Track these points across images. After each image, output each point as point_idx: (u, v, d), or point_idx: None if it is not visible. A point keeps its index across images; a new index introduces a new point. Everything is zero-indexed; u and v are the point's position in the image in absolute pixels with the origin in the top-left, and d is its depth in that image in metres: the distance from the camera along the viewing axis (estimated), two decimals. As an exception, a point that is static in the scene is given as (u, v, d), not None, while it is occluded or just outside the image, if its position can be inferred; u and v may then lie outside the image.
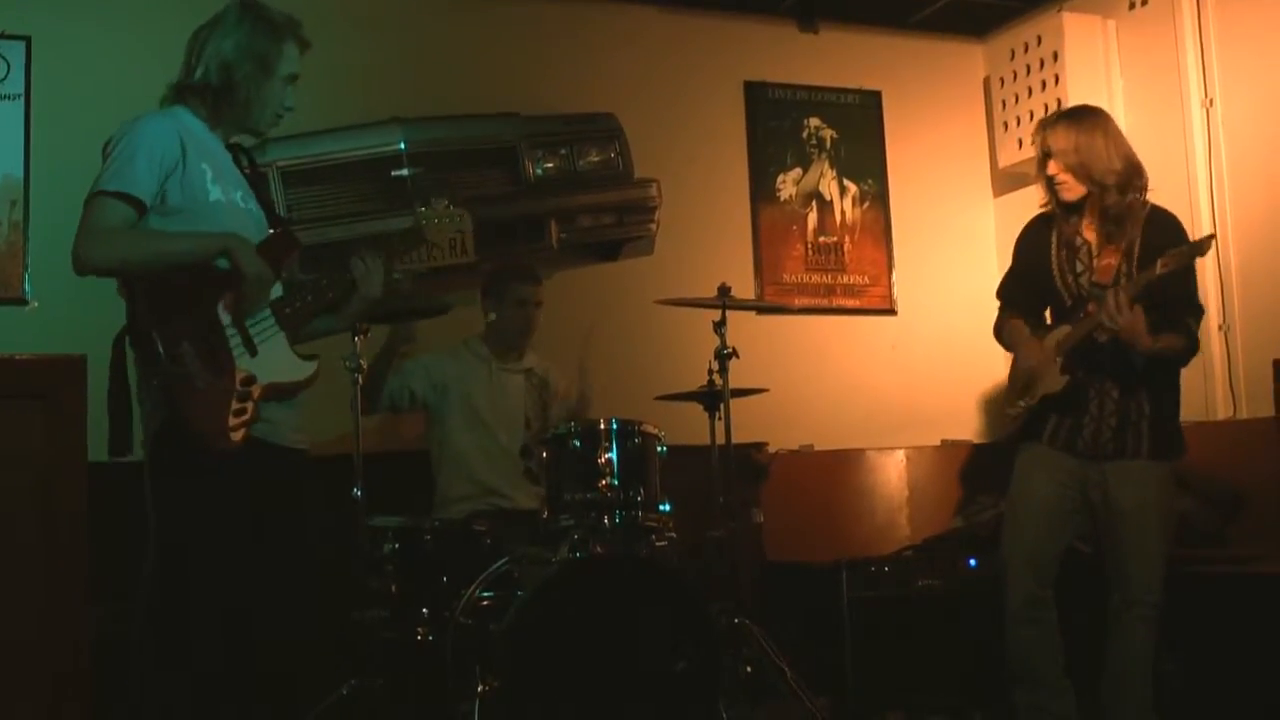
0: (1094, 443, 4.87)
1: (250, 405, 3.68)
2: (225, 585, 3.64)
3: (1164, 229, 4.87)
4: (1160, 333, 4.69)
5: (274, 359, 3.81)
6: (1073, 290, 4.92)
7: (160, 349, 3.55)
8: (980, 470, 7.49)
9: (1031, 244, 5.15)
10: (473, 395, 5.99)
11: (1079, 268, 4.93)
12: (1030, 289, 5.15)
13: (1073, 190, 4.89)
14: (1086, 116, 4.96)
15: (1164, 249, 4.63)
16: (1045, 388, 4.93)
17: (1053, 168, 4.90)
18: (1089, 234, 4.94)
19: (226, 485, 3.65)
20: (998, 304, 5.33)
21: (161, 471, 3.69)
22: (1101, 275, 4.82)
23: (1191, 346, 4.83)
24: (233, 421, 3.64)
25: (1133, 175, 4.85)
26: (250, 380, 3.70)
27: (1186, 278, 4.82)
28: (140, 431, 3.75)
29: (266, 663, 3.78)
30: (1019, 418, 5.05)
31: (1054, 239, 5.03)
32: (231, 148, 4.01)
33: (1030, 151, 7.24)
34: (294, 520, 3.91)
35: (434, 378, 5.98)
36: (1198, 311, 4.89)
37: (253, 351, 3.75)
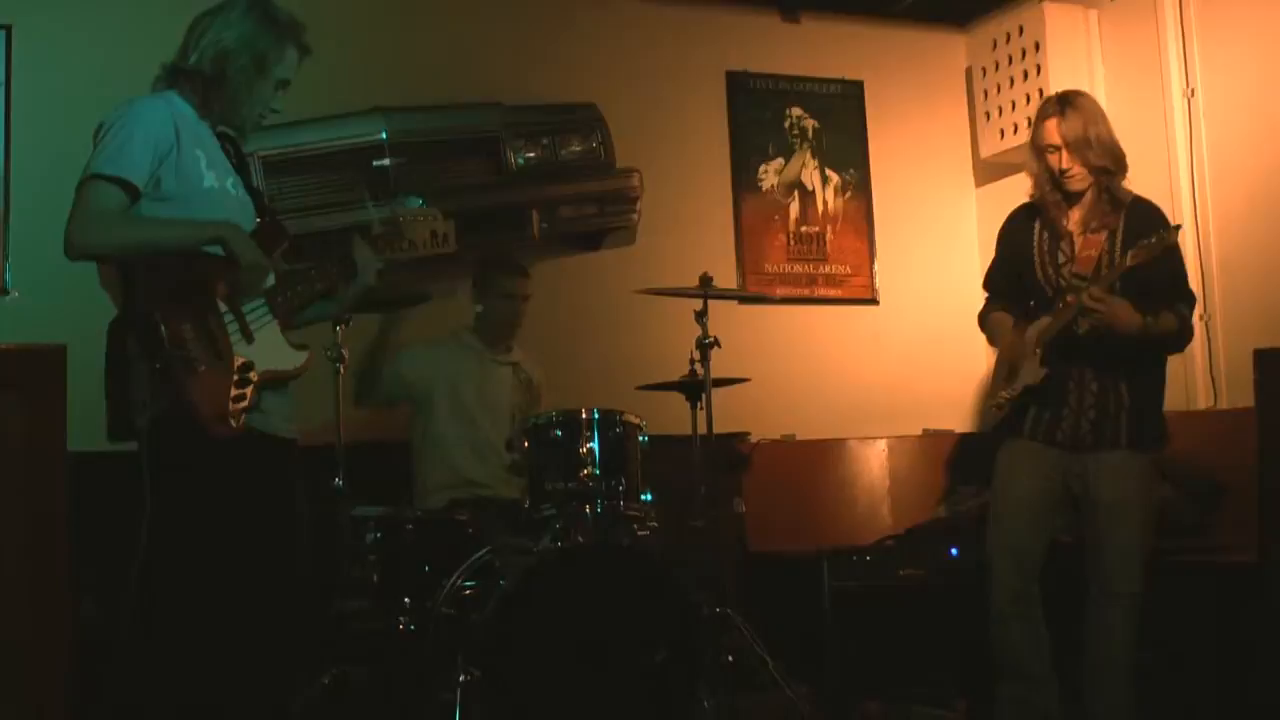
0: (1073, 434, 4.87)
1: (249, 391, 3.67)
2: (221, 573, 3.63)
3: (1145, 219, 4.84)
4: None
5: (269, 347, 3.80)
6: (1053, 281, 4.91)
7: (163, 333, 3.54)
8: (962, 460, 7.51)
9: (1014, 234, 5.15)
10: (461, 386, 5.99)
11: (1061, 258, 4.92)
12: (1013, 279, 5.14)
13: (1083, 181, 4.86)
14: (1086, 101, 4.93)
15: (1145, 238, 4.63)
16: (1025, 380, 4.93)
17: (1065, 160, 4.83)
18: (1073, 224, 4.93)
19: (225, 473, 3.64)
20: (984, 294, 5.34)
21: (162, 458, 3.65)
22: (1081, 266, 4.81)
23: (1183, 331, 4.82)
24: (232, 408, 3.63)
25: (1123, 157, 4.87)
26: (248, 366, 3.70)
27: (1173, 265, 4.83)
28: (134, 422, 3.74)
29: (260, 649, 3.78)
30: (1003, 409, 5.03)
31: (1037, 229, 5.02)
32: (219, 136, 4.00)
33: (1012, 141, 7.31)
34: (288, 509, 3.91)
35: (423, 368, 5.97)
36: (1189, 298, 4.89)
37: (249, 338, 3.74)
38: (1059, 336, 4.81)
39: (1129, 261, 4.56)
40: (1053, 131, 4.84)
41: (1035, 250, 5.00)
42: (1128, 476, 4.81)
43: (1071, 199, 4.93)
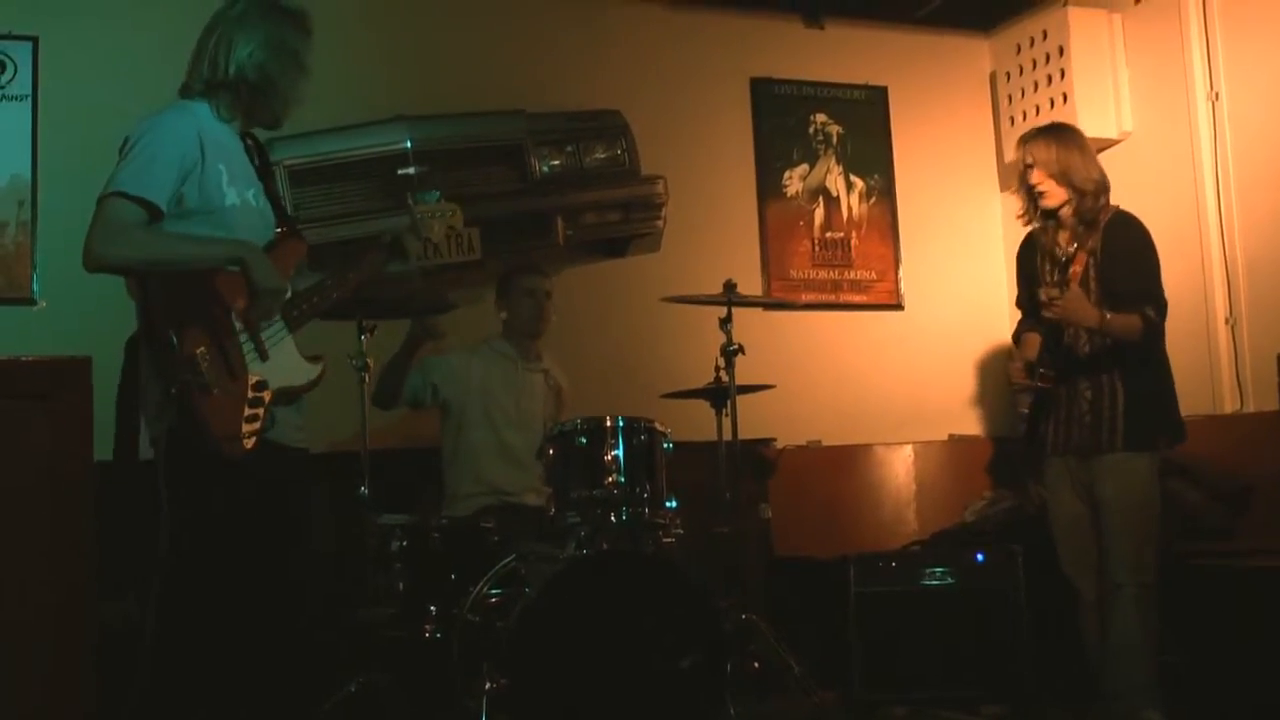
0: (1069, 441, 5.13)
1: (262, 411, 3.68)
2: (238, 585, 3.65)
3: (1121, 231, 5.11)
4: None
5: (283, 363, 3.82)
6: None
7: (177, 352, 3.55)
8: (988, 465, 7.51)
9: (1024, 260, 5.43)
10: (496, 394, 5.99)
11: (1058, 278, 5.13)
12: (1033, 301, 5.33)
13: (1054, 197, 5.15)
14: (1064, 132, 5.30)
15: (1122, 250, 5.02)
16: (1029, 395, 5.26)
17: (1036, 177, 5.17)
18: (1064, 244, 5.19)
19: (239, 489, 3.65)
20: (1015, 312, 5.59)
21: (175, 475, 3.68)
22: (1072, 281, 5.02)
23: (1148, 330, 4.98)
24: (245, 428, 3.64)
25: (1104, 185, 5.15)
26: (262, 385, 3.71)
27: (1140, 270, 5.05)
28: (147, 434, 3.76)
29: (274, 659, 3.79)
30: (1024, 423, 5.34)
31: (1039, 254, 5.29)
32: (243, 137, 4.00)
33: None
34: (299, 518, 3.93)
35: (458, 375, 5.98)
36: (1157, 303, 5.04)
37: (264, 356, 3.75)
38: (1053, 351, 5.13)
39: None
40: (1028, 151, 5.22)
41: (1038, 273, 5.27)
42: (1125, 476, 5.02)
43: (1055, 220, 5.21)
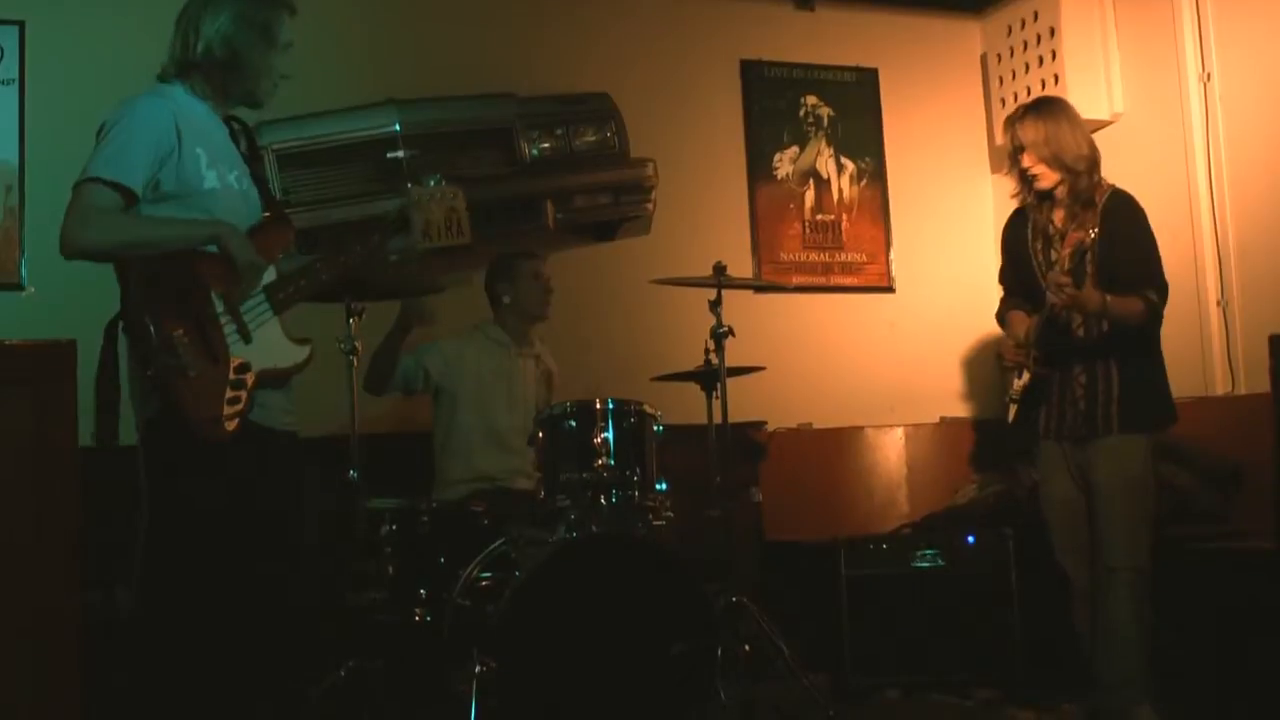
0: (1071, 426, 5.09)
1: (244, 393, 3.66)
2: (220, 570, 3.64)
3: (1121, 213, 5.05)
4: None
5: (268, 345, 3.79)
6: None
7: (154, 336, 3.53)
8: (979, 447, 7.51)
9: (1012, 237, 5.38)
10: (488, 380, 5.98)
11: (1053, 256, 5.11)
12: (1020, 279, 5.33)
13: (1047, 179, 5.10)
14: (1049, 107, 5.20)
15: (1123, 234, 4.95)
16: (1022, 380, 5.19)
17: (1027, 160, 5.11)
18: (1060, 222, 5.14)
19: (221, 473, 3.64)
20: (1000, 292, 5.53)
21: (156, 460, 3.68)
22: (1086, 277, 4.98)
23: (1149, 313, 4.96)
24: (226, 410, 3.62)
25: (1096, 161, 5.10)
26: (245, 368, 3.69)
27: (1139, 255, 5.02)
28: (133, 419, 3.74)
29: (265, 645, 3.78)
30: (1012, 405, 5.28)
31: (1030, 231, 5.24)
32: (229, 121, 3.99)
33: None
34: (289, 503, 3.91)
35: (451, 360, 5.95)
36: (1159, 285, 5.01)
37: (247, 338, 3.73)
38: (1048, 334, 5.06)
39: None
40: (1016, 134, 5.15)
41: (1030, 251, 5.23)
42: (1119, 459, 4.99)
43: (1042, 197, 5.17)
